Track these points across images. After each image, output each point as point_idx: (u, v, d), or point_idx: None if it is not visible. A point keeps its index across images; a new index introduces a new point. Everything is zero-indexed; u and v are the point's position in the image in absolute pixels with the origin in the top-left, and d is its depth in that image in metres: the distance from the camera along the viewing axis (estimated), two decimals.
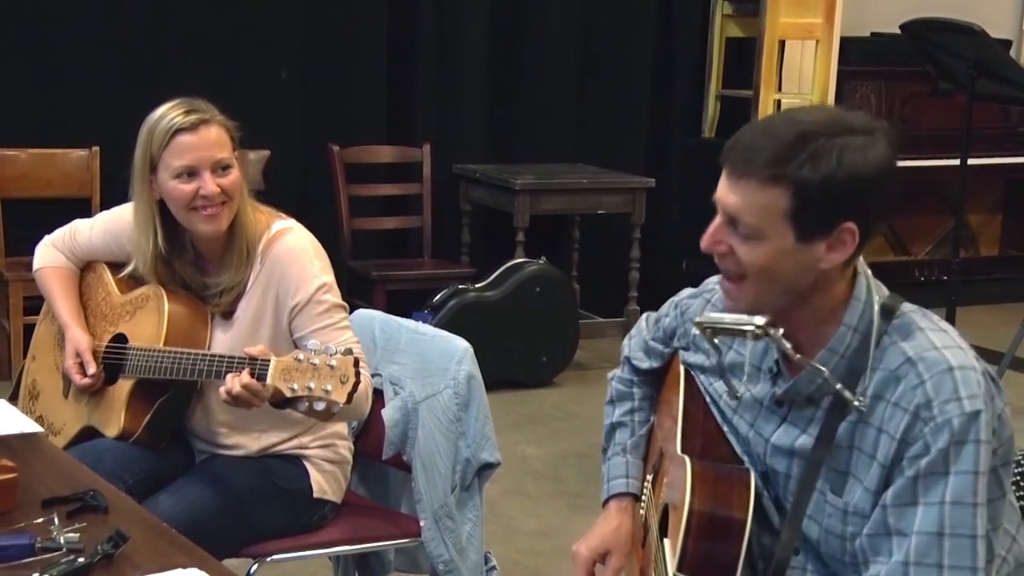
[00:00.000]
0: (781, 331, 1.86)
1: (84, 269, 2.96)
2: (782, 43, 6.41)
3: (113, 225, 2.89)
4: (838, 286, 1.89)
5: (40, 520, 2.07)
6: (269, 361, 2.40)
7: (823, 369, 1.86)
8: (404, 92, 6.12)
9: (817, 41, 6.43)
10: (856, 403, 1.84)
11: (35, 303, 4.64)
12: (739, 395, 2.01)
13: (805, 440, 1.92)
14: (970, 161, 5.51)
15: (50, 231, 2.99)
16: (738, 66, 6.68)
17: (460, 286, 5.59)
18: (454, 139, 6.25)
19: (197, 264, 2.77)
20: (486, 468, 2.92)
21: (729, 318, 1.91)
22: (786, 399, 1.95)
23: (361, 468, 3.04)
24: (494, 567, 3.00)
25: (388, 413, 2.89)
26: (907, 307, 1.90)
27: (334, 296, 2.71)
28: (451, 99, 6.23)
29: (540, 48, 6.38)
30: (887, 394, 1.84)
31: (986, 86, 5.34)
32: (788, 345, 1.86)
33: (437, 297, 5.53)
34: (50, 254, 2.96)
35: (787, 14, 6.32)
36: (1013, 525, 1.97)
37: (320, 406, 2.33)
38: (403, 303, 5.46)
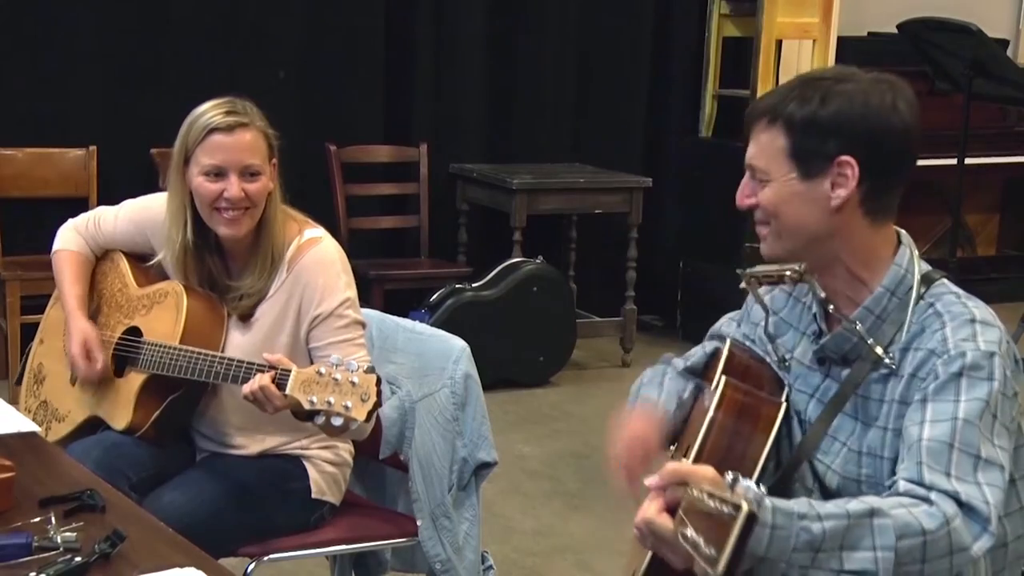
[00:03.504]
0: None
1: (100, 256, 2.94)
2: (779, 43, 6.41)
3: (139, 215, 2.88)
4: (866, 240, 1.94)
5: (37, 519, 2.06)
6: (290, 371, 2.40)
7: (855, 322, 1.92)
8: (401, 91, 6.12)
9: (814, 41, 6.42)
10: (887, 360, 1.90)
11: (33, 303, 4.64)
12: (787, 361, 2.07)
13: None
14: (967, 161, 5.52)
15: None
16: (735, 66, 6.66)
17: (457, 285, 5.59)
18: (451, 139, 6.24)
19: (223, 262, 2.77)
20: (483, 467, 2.92)
21: (771, 267, 2.04)
22: (826, 357, 2.00)
23: (358, 467, 3.04)
24: (491, 566, 3.00)
25: (385, 412, 2.89)
26: (947, 282, 1.97)
27: (355, 312, 2.71)
28: (448, 99, 6.22)
29: (537, 48, 6.38)
30: (914, 343, 1.90)
31: (983, 86, 5.35)
32: (823, 293, 1.97)
33: (434, 296, 5.53)
34: (71, 238, 2.94)
35: (784, 14, 6.32)
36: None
37: (337, 421, 2.33)
38: (400, 302, 5.45)
